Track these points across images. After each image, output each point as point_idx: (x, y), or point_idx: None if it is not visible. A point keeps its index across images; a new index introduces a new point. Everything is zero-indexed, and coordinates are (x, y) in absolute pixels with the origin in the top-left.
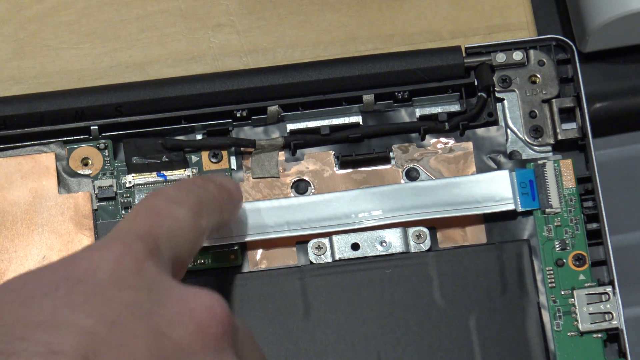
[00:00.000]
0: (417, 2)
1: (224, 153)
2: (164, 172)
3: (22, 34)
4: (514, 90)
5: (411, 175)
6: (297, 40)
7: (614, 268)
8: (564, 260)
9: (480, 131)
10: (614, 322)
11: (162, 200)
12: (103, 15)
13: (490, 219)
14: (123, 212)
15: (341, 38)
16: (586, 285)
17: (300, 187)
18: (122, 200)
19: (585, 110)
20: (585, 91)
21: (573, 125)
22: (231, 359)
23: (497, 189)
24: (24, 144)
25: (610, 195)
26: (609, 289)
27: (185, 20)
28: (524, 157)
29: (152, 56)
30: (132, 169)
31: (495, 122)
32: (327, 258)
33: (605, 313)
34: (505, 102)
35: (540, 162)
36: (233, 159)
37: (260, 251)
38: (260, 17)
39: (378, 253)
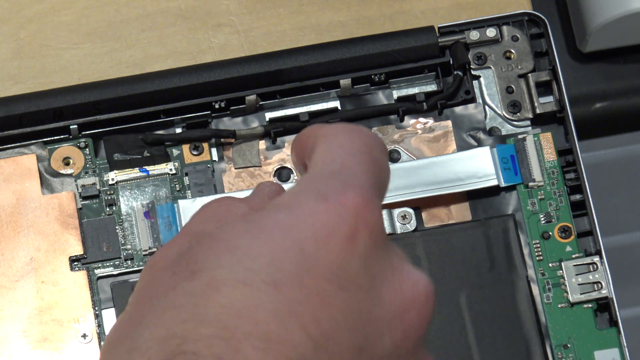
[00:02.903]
0: (417, 2)
1: (205, 145)
2: (146, 167)
3: (22, 34)
4: (489, 67)
5: (392, 156)
6: (297, 40)
7: (600, 238)
8: (550, 233)
9: (459, 109)
10: (604, 292)
11: (376, 150)
12: (103, 15)
13: (474, 196)
14: (107, 209)
15: (341, 38)
16: (573, 256)
17: (283, 174)
18: (105, 198)
19: (562, 83)
20: (586, 91)
21: (550, 98)
22: (425, 358)
23: (479, 166)
24: (4, 146)
25: (610, 195)
26: (596, 258)
27: (185, 20)
28: (504, 132)
29: (152, 56)
30: (114, 165)
31: (472, 100)
32: None
33: (594, 283)
34: (481, 79)
35: (520, 136)
36: (214, 151)
37: None
38: (260, 17)
39: None
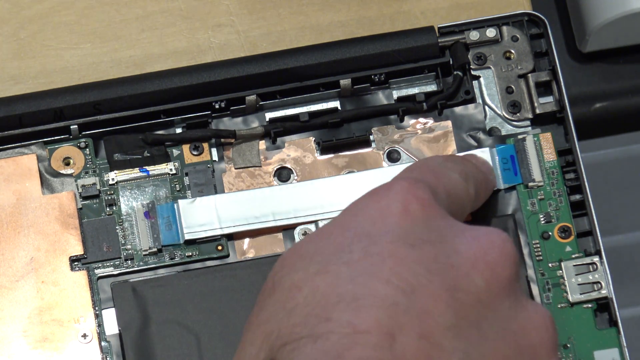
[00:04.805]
0: (417, 2)
1: (205, 145)
2: (146, 167)
3: (22, 34)
4: (489, 67)
5: (392, 157)
6: (297, 40)
7: (599, 238)
8: (550, 233)
9: (459, 109)
10: (603, 292)
11: (435, 161)
12: (103, 15)
13: None
14: (107, 209)
15: (341, 38)
16: (573, 256)
17: (283, 174)
18: (106, 198)
19: (562, 83)
20: (585, 91)
21: (550, 98)
22: (525, 301)
23: None
24: (4, 146)
25: (610, 195)
26: (596, 258)
27: (185, 20)
28: (504, 132)
29: (152, 56)
30: (114, 165)
31: (472, 100)
32: None
33: (594, 283)
34: (481, 79)
35: (520, 137)
36: (214, 151)
37: (247, 240)
38: (260, 17)
39: None
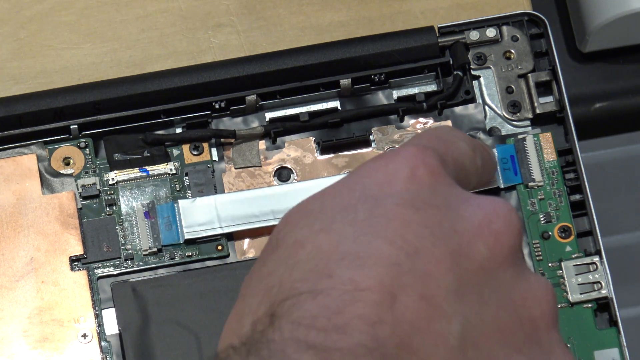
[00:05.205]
0: (417, 2)
1: (205, 145)
2: (146, 167)
3: (22, 34)
4: (489, 67)
5: None
6: (297, 40)
7: (599, 238)
8: (550, 233)
9: (459, 109)
10: (603, 292)
11: (444, 130)
12: (103, 15)
13: None
14: (107, 209)
15: (341, 38)
16: (573, 256)
17: (283, 174)
18: (106, 198)
19: (562, 83)
20: (585, 91)
21: (550, 98)
22: (527, 272)
23: None
24: (4, 147)
25: (610, 195)
26: (596, 258)
27: (185, 20)
28: (504, 132)
29: (152, 56)
30: (114, 165)
31: (472, 100)
32: None
33: (594, 283)
34: (481, 79)
35: (520, 136)
36: (214, 151)
37: (247, 240)
38: (260, 17)
39: None
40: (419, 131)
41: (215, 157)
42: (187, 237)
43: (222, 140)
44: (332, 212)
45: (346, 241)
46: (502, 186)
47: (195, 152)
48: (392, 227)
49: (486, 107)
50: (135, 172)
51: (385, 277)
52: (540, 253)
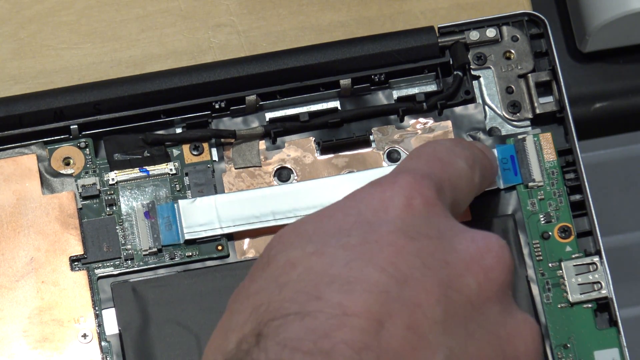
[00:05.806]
0: (417, 2)
1: (205, 145)
2: (146, 167)
3: (22, 34)
4: (489, 67)
5: (392, 157)
6: (297, 40)
7: (599, 238)
8: (550, 233)
9: (459, 109)
10: (603, 292)
11: (443, 148)
12: (103, 15)
13: None
14: (107, 209)
15: (341, 38)
16: (573, 256)
17: (283, 174)
18: (106, 198)
19: (562, 83)
20: (585, 91)
21: (550, 98)
22: (515, 309)
23: None
24: (4, 147)
25: (610, 195)
26: (596, 258)
27: (185, 20)
28: (504, 132)
29: (152, 56)
30: (114, 165)
31: (472, 100)
32: None
33: (594, 283)
34: (481, 79)
35: (520, 137)
36: (214, 151)
37: (247, 240)
38: (260, 17)
39: None
40: (418, 131)
41: (215, 157)
42: (187, 237)
43: (222, 140)
44: (326, 235)
45: (337, 265)
46: (502, 186)
47: (195, 152)
48: (384, 254)
49: (486, 107)
50: (135, 172)
51: (374, 304)
52: (540, 253)
